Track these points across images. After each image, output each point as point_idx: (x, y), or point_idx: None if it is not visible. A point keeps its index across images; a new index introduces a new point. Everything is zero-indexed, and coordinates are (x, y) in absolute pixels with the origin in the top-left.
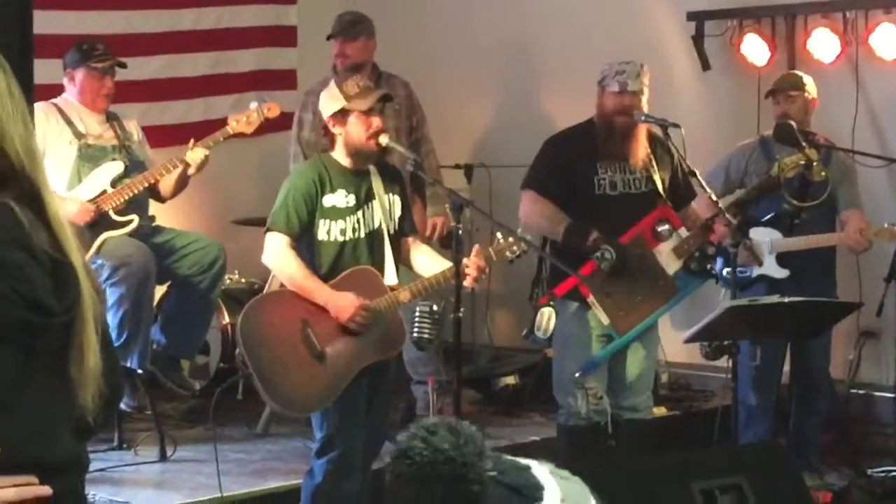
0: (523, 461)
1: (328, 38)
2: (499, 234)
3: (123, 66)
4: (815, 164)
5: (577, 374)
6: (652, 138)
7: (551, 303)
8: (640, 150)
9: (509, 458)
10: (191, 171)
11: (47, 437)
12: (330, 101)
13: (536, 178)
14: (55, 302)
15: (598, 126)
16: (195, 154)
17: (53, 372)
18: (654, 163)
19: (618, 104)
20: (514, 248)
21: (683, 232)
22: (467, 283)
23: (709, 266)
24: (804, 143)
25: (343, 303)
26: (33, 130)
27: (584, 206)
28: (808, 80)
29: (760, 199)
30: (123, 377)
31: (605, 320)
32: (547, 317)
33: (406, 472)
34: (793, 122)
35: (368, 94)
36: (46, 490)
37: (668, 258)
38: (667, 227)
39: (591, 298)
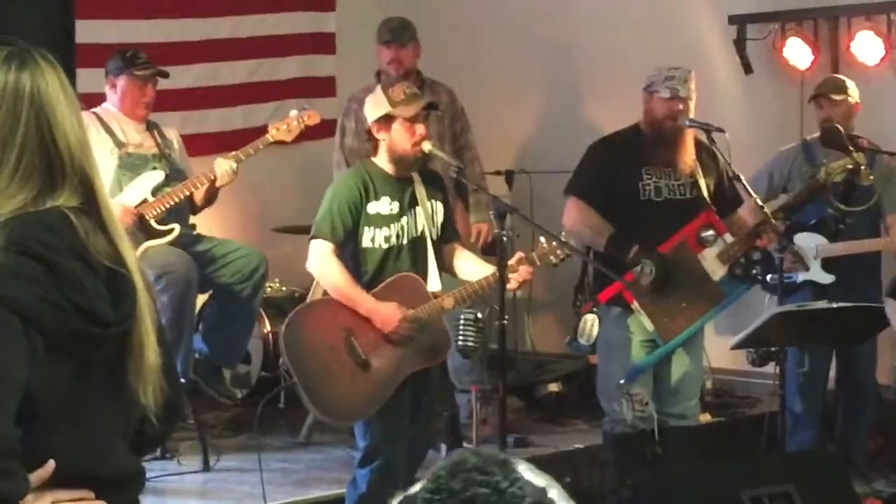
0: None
1: (383, 43)
2: (542, 239)
3: (166, 75)
4: (862, 168)
5: (621, 381)
6: (698, 144)
7: (594, 309)
8: (688, 156)
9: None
10: (218, 182)
11: (103, 450)
12: (375, 107)
13: (581, 183)
14: (111, 312)
15: (645, 132)
16: (221, 165)
17: (110, 384)
18: (699, 169)
19: (668, 110)
20: (558, 252)
21: (728, 238)
22: (511, 285)
23: (754, 271)
24: (851, 147)
25: (386, 313)
26: (86, 129)
27: (628, 211)
28: (851, 84)
29: (807, 203)
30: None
31: (650, 326)
32: (590, 323)
33: None
34: (840, 126)
35: (414, 101)
36: None
37: (713, 264)
38: (711, 232)
39: (635, 304)
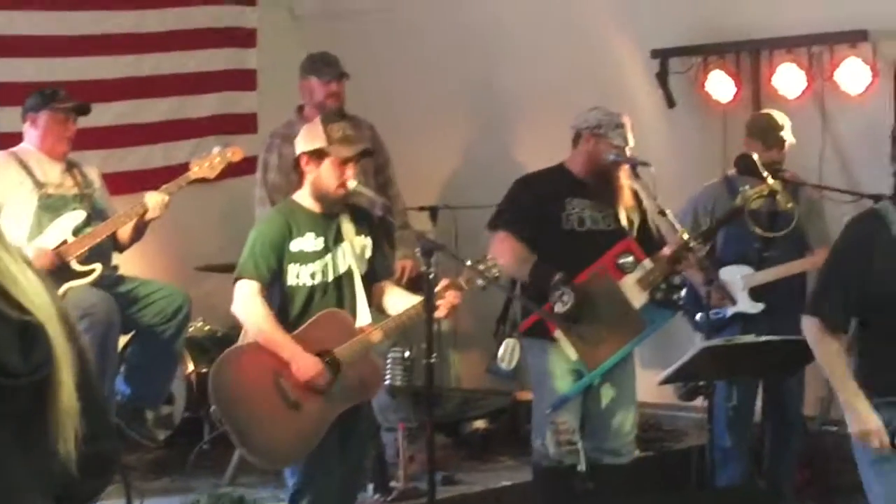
0: None
1: (321, 77)
2: (468, 261)
3: (87, 110)
4: (778, 194)
5: (547, 411)
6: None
7: (515, 335)
8: (627, 193)
9: None
10: (149, 215)
11: None
12: (310, 139)
13: (504, 216)
14: (21, 362)
15: (586, 173)
16: (153, 198)
17: (24, 438)
18: (624, 205)
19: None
20: (486, 273)
21: (648, 263)
22: (440, 312)
23: (675, 297)
24: (765, 174)
25: (304, 362)
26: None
27: (551, 241)
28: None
29: (722, 226)
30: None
31: (573, 355)
32: (511, 348)
33: None
34: (753, 154)
35: (352, 143)
36: None
37: (632, 291)
38: (630, 259)
39: (556, 333)
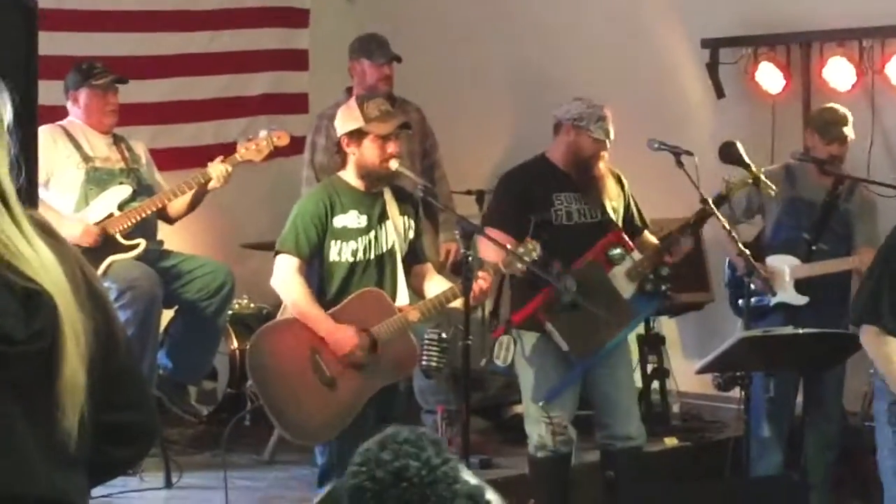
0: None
1: (372, 59)
2: (508, 246)
3: (125, 81)
4: (761, 181)
5: (541, 404)
6: (609, 171)
7: (510, 331)
8: (611, 184)
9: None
10: (213, 184)
11: (15, 471)
12: (348, 120)
13: (493, 216)
14: (22, 329)
15: (566, 164)
16: (217, 168)
17: (31, 409)
18: (609, 194)
19: (597, 150)
20: (525, 257)
21: (636, 255)
22: (476, 288)
23: (663, 287)
24: (748, 161)
25: (341, 337)
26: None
27: (541, 236)
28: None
29: (708, 218)
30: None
31: (565, 346)
32: (505, 345)
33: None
34: (736, 141)
35: (388, 118)
36: None
37: (622, 282)
38: (619, 250)
39: (548, 326)
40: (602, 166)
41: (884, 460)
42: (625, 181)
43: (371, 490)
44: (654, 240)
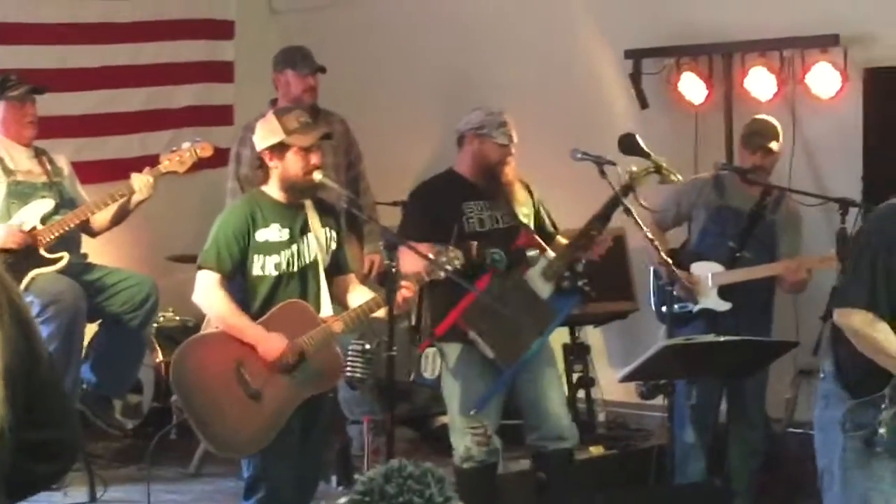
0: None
1: (296, 71)
2: (430, 254)
3: (41, 91)
4: (663, 168)
5: (471, 412)
6: (518, 179)
7: (434, 344)
8: (519, 190)
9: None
10: (137, 196)
11: None
12: (268, 135)
13: (406, 232)
14: None
15: (473, 174)
16: (139, 179)
17: None
18: (517, 199)
19: (503, 155)
20: (447, 265)
21: (550, 254)
22: (399, 298)
23: (580, 283)
24: (648, 150)
25: (271, 343)
26: None
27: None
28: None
29: (614, 209)
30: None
31: (490, 354)
32: (432, 357)
33: None
34: (634, 133)
35: (309, 130)
36: None
37: (539, 282)
38: (533, 252)
39: (471, 335)
40: (509, 172)
41: (828, 468)
42: (533, 189)
43: None
44: (566, 241)
